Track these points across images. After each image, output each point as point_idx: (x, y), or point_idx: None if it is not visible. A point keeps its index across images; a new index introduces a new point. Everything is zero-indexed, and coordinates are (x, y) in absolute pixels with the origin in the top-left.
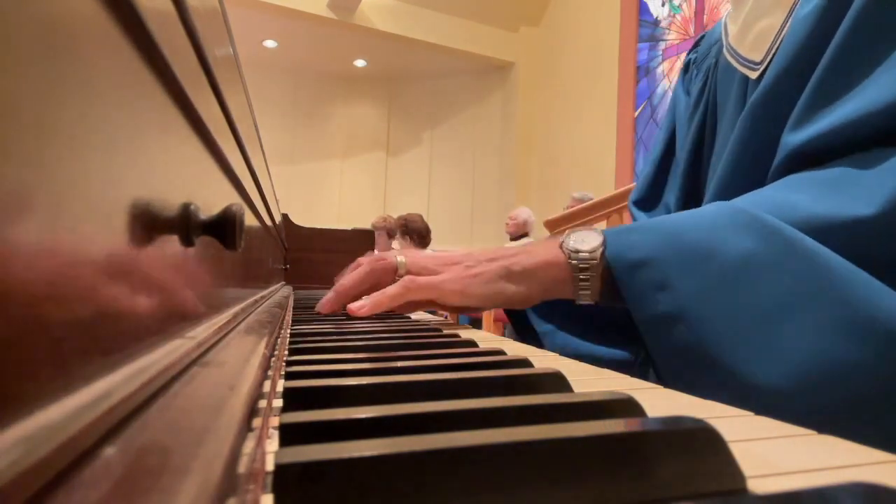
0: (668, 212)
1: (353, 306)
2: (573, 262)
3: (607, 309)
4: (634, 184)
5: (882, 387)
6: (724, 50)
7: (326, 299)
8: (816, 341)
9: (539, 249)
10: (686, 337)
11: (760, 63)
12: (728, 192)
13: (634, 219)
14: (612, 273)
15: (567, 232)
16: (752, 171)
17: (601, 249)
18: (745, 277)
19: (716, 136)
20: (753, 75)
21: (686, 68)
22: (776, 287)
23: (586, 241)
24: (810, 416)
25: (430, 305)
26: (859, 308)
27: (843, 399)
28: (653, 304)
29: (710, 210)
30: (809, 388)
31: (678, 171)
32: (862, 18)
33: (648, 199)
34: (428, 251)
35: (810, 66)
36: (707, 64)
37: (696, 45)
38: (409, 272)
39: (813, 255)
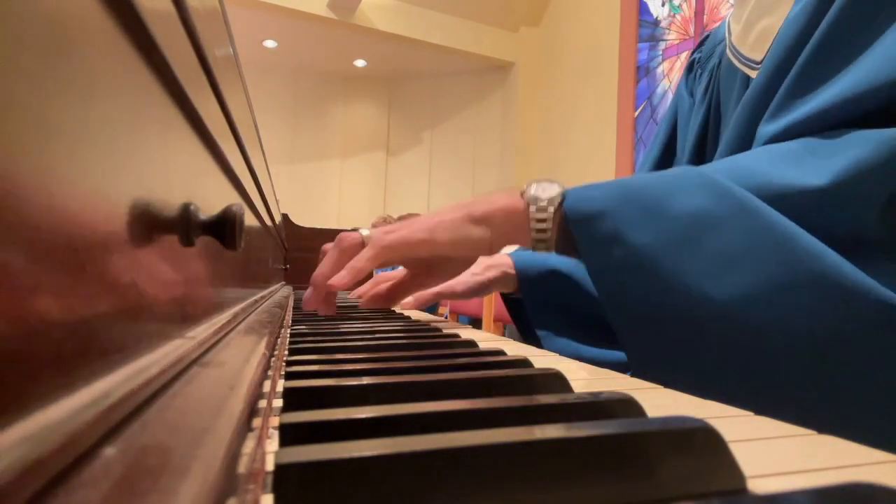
0: None
1: (333, 280)
2: (531, 209)
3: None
4: None
5: (827, 336)
6: (727, 50)
7: (309, 297)
8: (759, 289)
9: (500, 197)
10: (636, 286)
11: (761, 62)
12: None
13: None
14: (568, 223)
15: (530, 181)
16: None
17: (560, 200)
18: (694, 232)
19: (719, 137)
20: (754, 74)
21: (690, 68)
22: (724, 241)
23: (547, 190)
24: (759, 351)
25: (402, 288)
26: (803, 265)
27: (788, 346)
28: (605, 255)
29: (671, 172)
30: (754, 320)
31: None
32: (842, 14)
33: None
34: None
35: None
36: (711, 64)
37: (701, 44)
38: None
39: (761, 215)
